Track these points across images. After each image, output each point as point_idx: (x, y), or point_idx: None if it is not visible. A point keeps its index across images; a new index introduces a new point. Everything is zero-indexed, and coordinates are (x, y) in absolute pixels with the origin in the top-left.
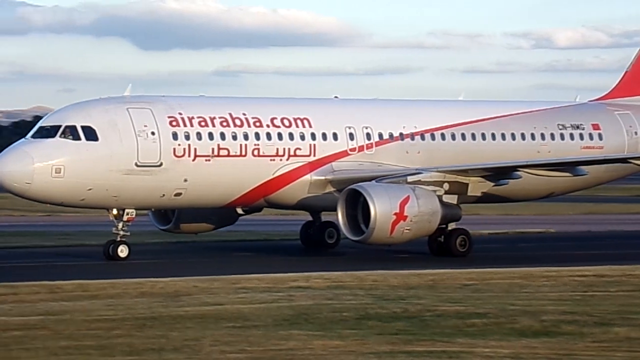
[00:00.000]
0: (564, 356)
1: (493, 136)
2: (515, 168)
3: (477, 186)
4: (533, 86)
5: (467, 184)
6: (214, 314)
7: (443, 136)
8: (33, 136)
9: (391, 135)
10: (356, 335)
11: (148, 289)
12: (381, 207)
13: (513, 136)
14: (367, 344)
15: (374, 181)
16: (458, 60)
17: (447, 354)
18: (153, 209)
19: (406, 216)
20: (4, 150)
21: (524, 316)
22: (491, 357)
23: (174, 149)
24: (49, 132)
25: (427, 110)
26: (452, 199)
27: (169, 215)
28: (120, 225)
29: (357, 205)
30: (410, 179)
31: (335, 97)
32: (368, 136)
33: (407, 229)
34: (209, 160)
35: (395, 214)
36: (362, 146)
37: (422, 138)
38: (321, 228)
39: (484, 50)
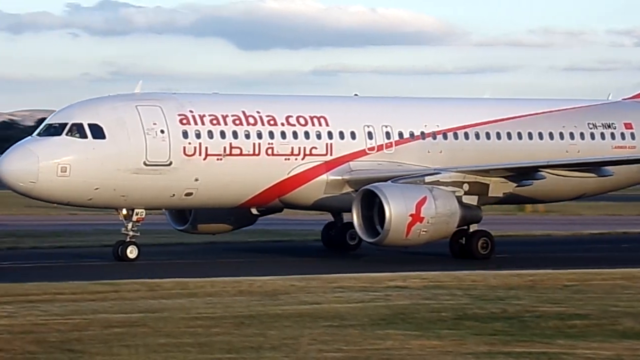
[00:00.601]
0: None
1: (519, 135)
2: (537, 168)
3: (499, 187)
4: (636, 85)
5: (488, 185)
6: (311, 313)
7: (466, 135)
8: (39, 134)
9: (412, 134)
10: (454, 335)
11: (246, 288)
12: (396, 208)
13: (540, 135)
14: (465, 345)
15: (389, 181)
16: (558, 58)
17: (546, 355)
18: (164, 209)
19: (423, 217)
20: (9, 149)
21: (626, 317)
22: (592, 358)
23: (184, 148)
24: (55, 130)
25: (450, 109)
26: (472, 200)
27: (186, 215)
28: (130, 225)
29: (374, 206)
30: (428, 179)
31: (355, 94)
32: (387, 135)
33: (423, 231)
34: (221, 159)
35: (411, 215)
36: (381, 145)
37: (445, 137)
38: (343, 229)
39: (586, 48)
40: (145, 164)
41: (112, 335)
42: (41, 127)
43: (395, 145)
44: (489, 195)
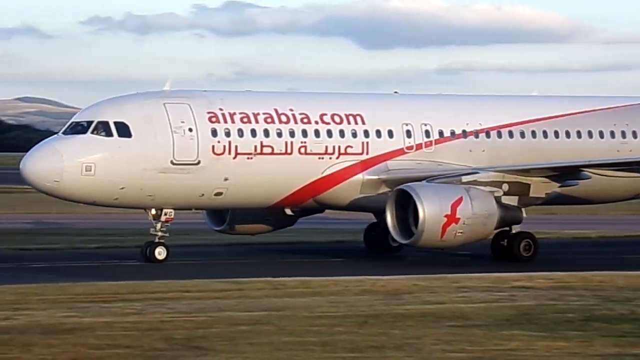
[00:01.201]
0: None
1: (567, 134)
2: (579, 168)
3: (541, 187)
4: None
5: (528, 185)
6: (434, 312)
7: (511, 134)
8: (65, 132)
9: (453, 133)
10: (581, 336)
11: (369, 287)
12: (431, 208)
13: (590, 134)
14: (592, 346)
15: (424, 181)
16: None
17: None
18: (194, 209)
19: (458, 218)
20: (34, 147)
21: None
22: None
23: (213, 147)
24: (81, 128)
25: (493, 107)
26: (512, 201)
27: (224, 215)
28: (159, 225)
29: (409, 207)
30: (465, 179)
31: (395, 92)
32: (427, 133)
33: (459, 232)
34: (251, 158)
35: (447, 215)
36: (420, 144)
37: (487, 136)
38: (385, 230)
39: None
40: (172, 163)
41: (237, 333)
42: (67, 125)
43: (435, 144)
44: (530, 195)
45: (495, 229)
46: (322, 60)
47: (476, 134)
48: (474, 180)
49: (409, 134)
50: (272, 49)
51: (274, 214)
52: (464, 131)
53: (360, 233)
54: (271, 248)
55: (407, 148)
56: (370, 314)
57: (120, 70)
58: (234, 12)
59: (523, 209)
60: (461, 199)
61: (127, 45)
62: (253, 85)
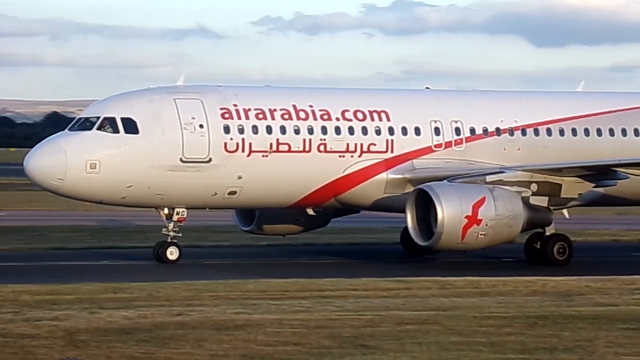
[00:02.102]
0: None
1: (611, 132)
2: (612, 167)
3: (573, 187)
4: None
5: (559, 185)
6: (607, 314)
7: (549, 131)
8: (71, 128)
9: (485, 130)
10: None
11: (539, 288)
12: (450, 209)
13: (636, 132)
14: None
15: (445, 181)
16: None
17: None
18: (208, 209)
19: (480, 220)
20: (38, 144)
21: None
22: None
23: (225, 144)
24: (86, 124)
25: (530, 103)
26: (541, 202)
27: (254, 215)
28: (171, 225)
29: (430, 207)
30: (489, 178)
31: (427, 87)
32: (457, 131)
33: (482, 234)
34: (267, 156)
35: (467, 217)
36: (450, 142)
37: (523, 133)
38: None
39: None
40: (181, 160)
41: (404, 332)
42: (75, 120)
43: (466, 141)
44: (562, 196)
45: (523, 231)
46: (492, 58)
47: (511, 131)
48: (500, 180)
49: (437, 131)
50: (442, 47)
51: (305, 214)
52: (497, 129)
53: None
54: None
55: (436, 146)
56: (540, 315)
57: (291, 69)
58: (402, 11)
59: (554, 210)
60: (483, 199)
61: (297, 44)
62: (422, 83)
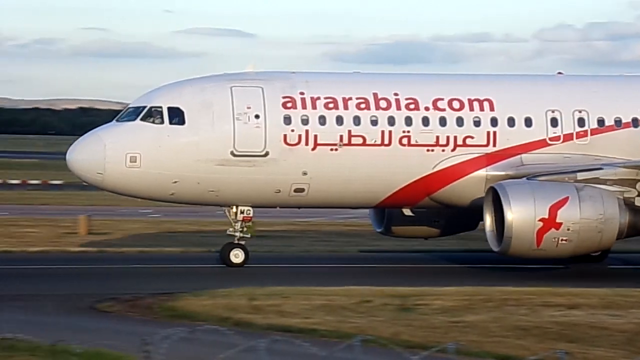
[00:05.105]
0: None
1: None
2: None
3: None
4: None
5: None
6: None
7: None
8: (119, 119)
9: (618, 122)
10: None
11: None
12: (520, 211)
13: None
14: None
15: (524, 178)
16: None
17: None
18: (278, 207)
19: (560, 223)
20: (82, 135)
21: None
22: None
23: (285, 136)
24: (133, 115)
25: None
26: None
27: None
28: (238, 225)
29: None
30: (581, 175)
31: (559, 73)
32: (580, 122)
33: (563, 240)
34: (336, 149)
35: (542, 220)
36: (570, 134)
37: None
38: None
39: None
40: (233, 154)
41: None
42: (124, 110)
43: (592, 134)
44: None
45: (625, 237)
46: None
47: None
48: (594, 178)
49: (554, 122)
50: None
51: (446, 216)
52: (634, 119)
53: None
54: None
55: (552, 139)
56: None
57: None
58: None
59: None
60: (565, 199)
61: None
62: None
